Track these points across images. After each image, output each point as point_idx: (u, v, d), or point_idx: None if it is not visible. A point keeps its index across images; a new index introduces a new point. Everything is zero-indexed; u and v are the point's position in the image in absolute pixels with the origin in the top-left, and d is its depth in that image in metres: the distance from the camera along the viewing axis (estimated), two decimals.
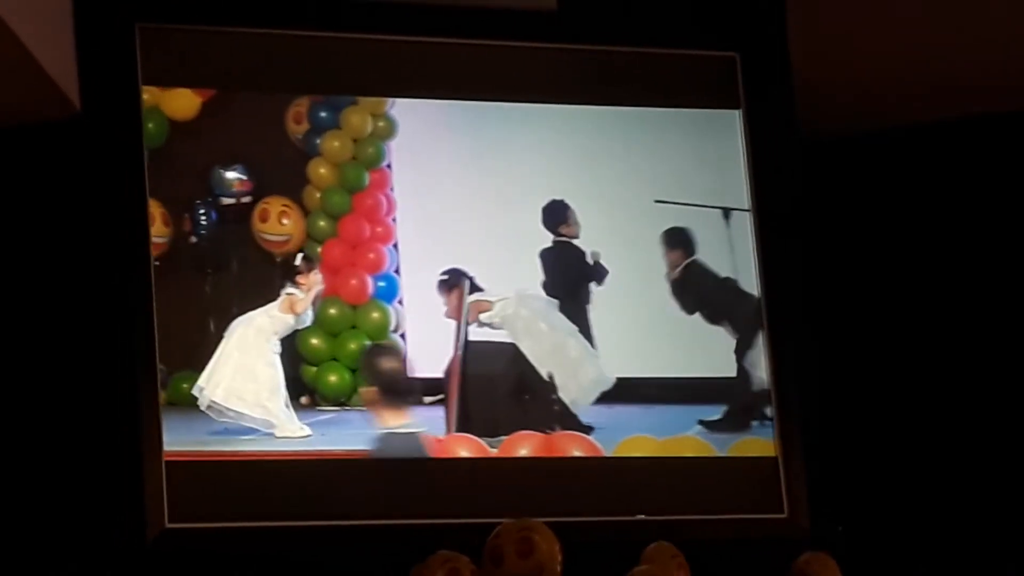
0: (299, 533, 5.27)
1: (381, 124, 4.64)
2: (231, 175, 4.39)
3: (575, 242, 5.00)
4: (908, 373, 6.33)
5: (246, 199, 4.39)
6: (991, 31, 6.08)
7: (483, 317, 4.56)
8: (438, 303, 4.60)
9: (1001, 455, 6.20)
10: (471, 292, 4.59)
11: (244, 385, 4.34)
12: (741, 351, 5.48)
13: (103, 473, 5.29)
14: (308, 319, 4.34)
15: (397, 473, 5.16)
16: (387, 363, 4.49)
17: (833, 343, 6.04)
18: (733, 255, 5.66)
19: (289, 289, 4.33)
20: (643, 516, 5.38)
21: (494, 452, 4.58)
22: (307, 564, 5.10)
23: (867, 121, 6.41)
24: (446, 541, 4.00)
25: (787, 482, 5.72)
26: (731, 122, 5.87)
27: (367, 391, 4.55)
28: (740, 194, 5.75)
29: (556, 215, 4.93)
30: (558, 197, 5.18)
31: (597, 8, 6.07)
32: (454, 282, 4.62)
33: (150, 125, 5.16)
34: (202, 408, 4.53)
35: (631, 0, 6.08)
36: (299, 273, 4.35)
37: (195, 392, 4.52)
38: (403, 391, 4.44)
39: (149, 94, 5.23)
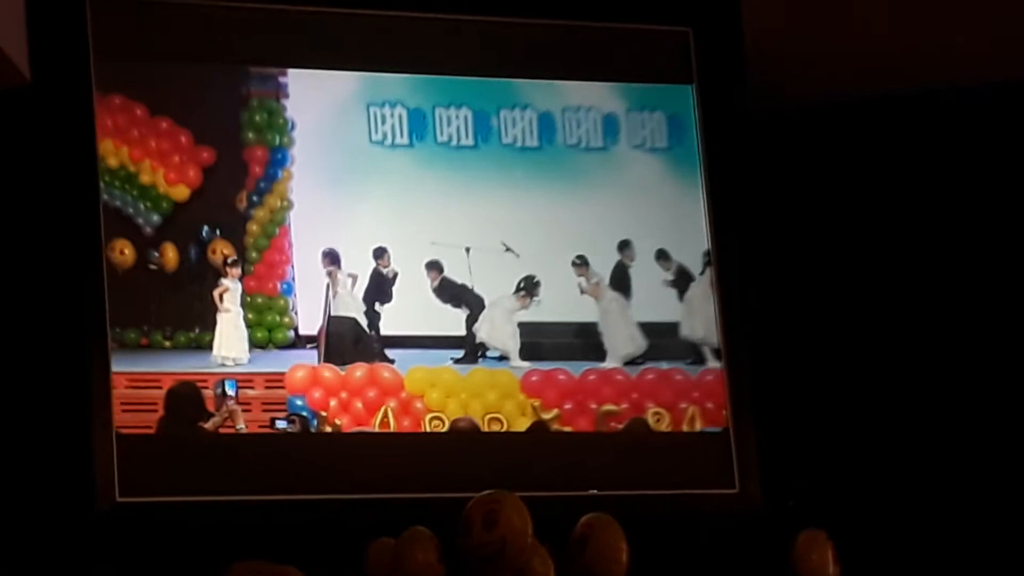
0: (254, 507, 4.73)
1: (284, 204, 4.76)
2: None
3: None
4: (861, 341, 6.10)
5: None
6: (950, 2, 5.89)
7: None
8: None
9: (958, 423, 6.00)
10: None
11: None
12: None
13: (51, 446, 4.78)
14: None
15: (353, 447, 4.76)
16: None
17: (783, 313, 5.78)
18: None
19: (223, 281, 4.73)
20: (596, 491, 4.97)
21: (343, 374, 4.65)
22: (263, 538, 4.60)
23: (822, 93, 6.17)
24: (409, 515, 4.20)
25: (738, 456, 5.38)
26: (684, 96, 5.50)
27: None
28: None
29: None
30: None
31: None
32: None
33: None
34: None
35: None
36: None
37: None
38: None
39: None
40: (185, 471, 4.63)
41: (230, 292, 4.68)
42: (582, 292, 4.91)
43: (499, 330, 4.92)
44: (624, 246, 5.01)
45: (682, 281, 5.09)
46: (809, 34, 6.07)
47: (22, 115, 5.15)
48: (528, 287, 4.94)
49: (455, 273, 4.82)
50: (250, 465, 4.67)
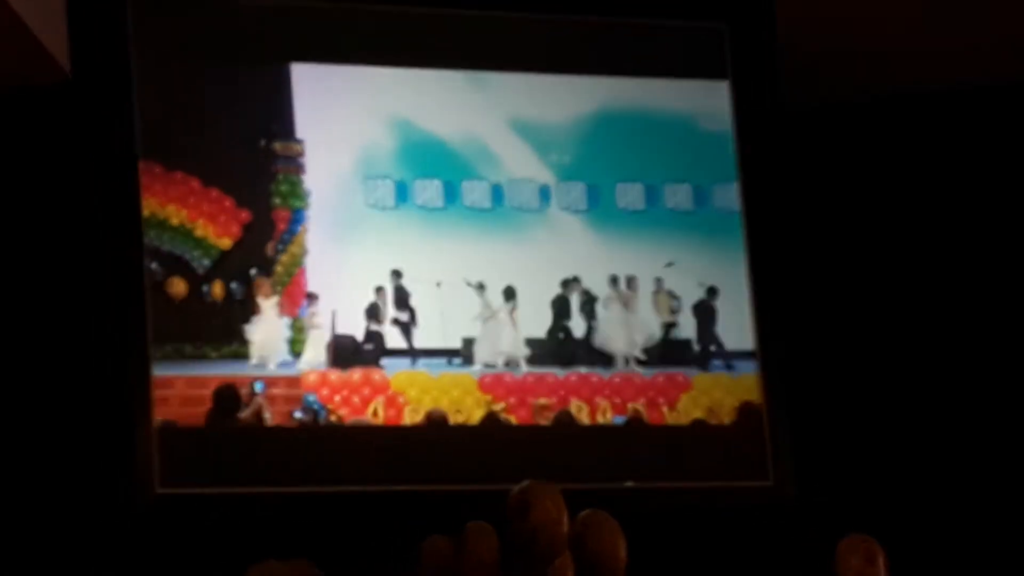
0: (294, 500, 5.31)
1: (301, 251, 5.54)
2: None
3: None
4: (898, 336, 6.22)
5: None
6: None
7: None
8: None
9: (988, 420, 6.12)
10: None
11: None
12: None
13: (92, 437, 5.30)
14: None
15: (396, 440, 5.45)
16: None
17: (819, 310, 5.99)
18: None
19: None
20: (631, 484, 5.49)
21: (344, 376, 5.34)
22: (304, 531, 5.14)
23: (857, 89, 6.31)
24: (450, 509, 4.24)
25: (773, 449, 5.68)
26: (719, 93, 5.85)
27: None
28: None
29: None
30: None
31: None
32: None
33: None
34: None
35: None
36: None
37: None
38: None
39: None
40: (226, 459, 5.26)
41: (267, 307, 5.45)
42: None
43: (502, 341, 5.62)
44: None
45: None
46: (843, 31, 5.98)
47: (63, 110, 5.43)
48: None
49: (428, 300, 5.56)
50: (278, 454, 5.29)
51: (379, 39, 5.71)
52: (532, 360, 5.62)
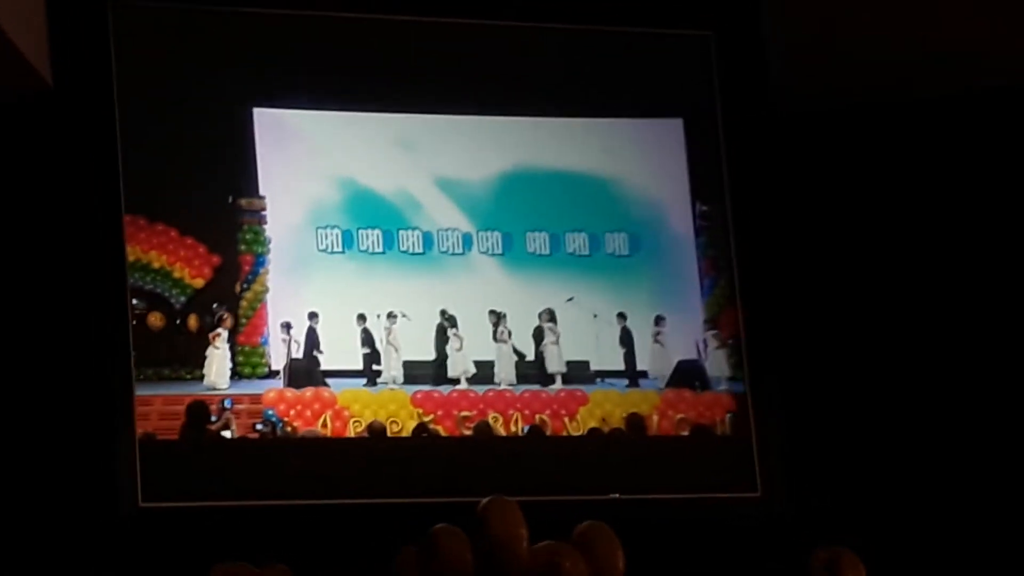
0: (277, 512, 5.74)
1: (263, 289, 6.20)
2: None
3: None
4: (884, 344, 6.22)
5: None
6: (970, 5, 5.98)
7: None
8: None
9: (979, 429, 6.10)
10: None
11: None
12: None
13: (74, 451, 5.57)
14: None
15: (377, 451, 6.01)
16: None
17: (807, 321, 6.07)
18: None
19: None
20: (618, 495, 5.85)
21: (298, 394, 6.00)
22: (286, 545, 5.41)
23: (844, 96, 6.37)
24: (429, 521, 4.01)
25: (760, 460, 5.87)
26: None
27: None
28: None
29: None
30: None
31: None
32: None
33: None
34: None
35: None
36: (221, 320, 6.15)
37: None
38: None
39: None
40: (198, 470, 5.79)
41: (220, 338, 6.12)
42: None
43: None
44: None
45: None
46: (832, 38, 6.04)
47: (45, 120, 5.59)
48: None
49: (373, 329, 6.24)
50: (246, 462, 5.87)
51: (330, 87, 6.36)
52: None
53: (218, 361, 6.16)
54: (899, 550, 5.58)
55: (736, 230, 6.16)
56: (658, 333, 6.50)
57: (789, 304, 6.01)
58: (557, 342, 6.44)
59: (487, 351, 6.36)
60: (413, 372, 6.28)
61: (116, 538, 5.50)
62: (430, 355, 6.31)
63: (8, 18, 5.25)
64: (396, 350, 6.29)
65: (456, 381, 6.35)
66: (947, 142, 6.35)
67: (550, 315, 6.45)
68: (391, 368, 6.26)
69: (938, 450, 6.17)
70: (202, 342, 6.15)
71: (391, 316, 6.28)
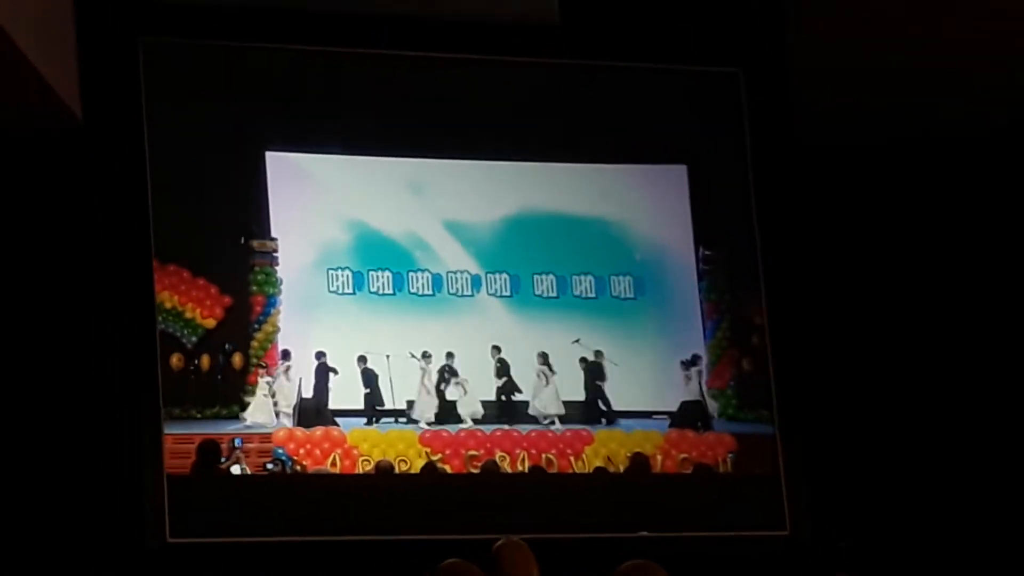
0: (290, 548, 5.80)
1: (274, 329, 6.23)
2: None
3: None
4: (910, 384, 6.28)
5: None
6: (990, 47, 6.02)
7: None
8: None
9: (1004, 461, 6.14)
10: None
11: None
12: None
13: (104, 488, 5.66)
14: None
15: (397, 488, 6.08)
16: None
17: (833, 356, 6.13)
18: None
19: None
20: (646, 533, 5.94)
21: (308, 433, 6.05)
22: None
23: (867, 132, 6.41)
24: (437, 557, 4.39)
25: (789, 498, 5.93)
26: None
27: None
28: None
29: None
30: None
31: (599, 23, 6.27)
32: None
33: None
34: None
35: (633, 16, 6.30)
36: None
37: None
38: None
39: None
40: (208, 505, 5.86)
41: (262, 384, 6.14)
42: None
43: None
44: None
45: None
46: (853, 74, 6.04)
47: (75, 155, 5.62)
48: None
49: (377, 368, 6.26)
50: (261, 500, 5.93)
51: (340, 131, 6.41)
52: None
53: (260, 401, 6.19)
54: None
55: (765, 267, 6.24)
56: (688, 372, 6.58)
57: (816, 340, 6.10)
58: (547, 384, 6.50)
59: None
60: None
61: (142, 572, 5.62)
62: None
63: (38, 53, 5.32)
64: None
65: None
66: (973, 180, 6.43)
67: (543, 358, 6.50)
68: (467, 406, 6.40)
69: (968, 488, 6.25)
70: (212, 381, 6.18)
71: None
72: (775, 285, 6.34)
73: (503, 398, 6.48)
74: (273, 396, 6.19)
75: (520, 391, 6.49)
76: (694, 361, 6.55)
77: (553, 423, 6.48)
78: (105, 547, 5.69)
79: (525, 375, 6.51)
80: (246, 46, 6.23)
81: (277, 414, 6.15)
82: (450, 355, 6.46)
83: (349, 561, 5.89)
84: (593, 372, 6.53)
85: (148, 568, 5.71)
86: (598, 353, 6.53)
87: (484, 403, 6.47)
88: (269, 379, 6.16)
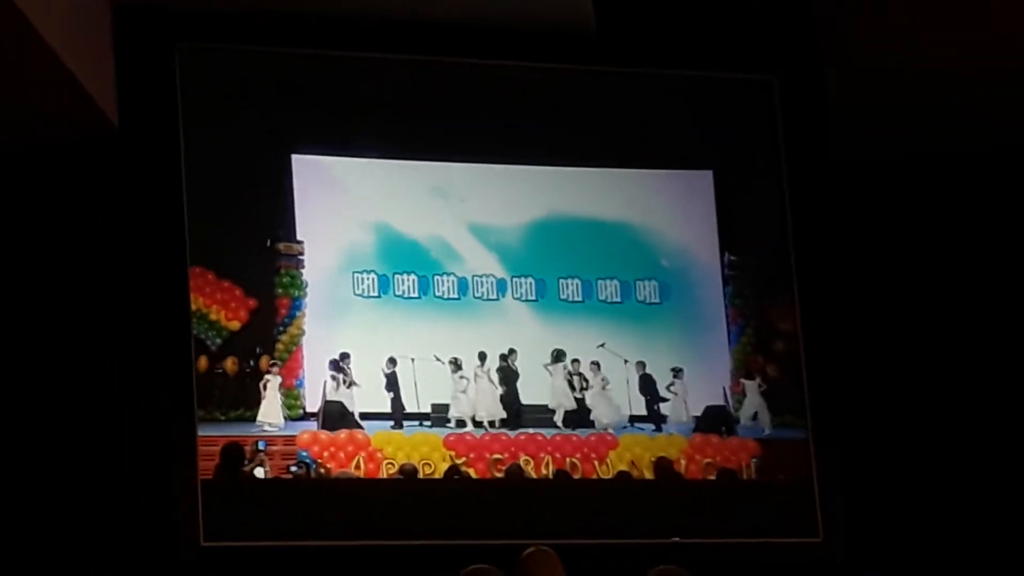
0: (333, 552, 5.79)
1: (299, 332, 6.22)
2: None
3: None
4: (944, 394, 6.26)
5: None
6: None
7: None
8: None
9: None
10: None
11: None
12: None
13: (139, 493, 5.67)
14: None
15: (430, 492, 6.06)
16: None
17: (865, 363, 6.09)
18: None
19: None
20: (678, 539, 5.91)
21: (333, 436, 6.00)
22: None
23: (902, 148, 6.38)
24: (475, 562, 4.44)
25: (822, 506, 5.93)
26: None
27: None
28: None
29: None
30: None
31: (634, 30, 6.24)
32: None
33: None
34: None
35: (669, 23, 6.27)
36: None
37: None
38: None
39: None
40: (234, 509, 5.83)
41: (271, 383, 6.12)
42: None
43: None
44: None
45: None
46: (889, 85, 6.00)
47: (112, 163, 5.63)
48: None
49: (404, 372, 6.23)
50: (284, 503, 5.90)
51: (366, 134, 6.37)
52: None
53: (268, 403, 6.17)
54: None
55: (798, 272, 6.21)
56: (671, 384, 6.51)
57: (850, 351, 6.10)
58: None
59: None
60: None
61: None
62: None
63: (75, 60, 5.33)
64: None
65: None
66: (1002, 194, 6.43)
67: (556, 356, 6.44)
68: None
69: (995, 497, 6.25)
70: (237, 384, 6.14)
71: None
72: (808, 290, 6.32)
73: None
74: (287, 398, 6.17)
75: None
76: (676, 374, 6.51)
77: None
78: (136, 552, 5.70)
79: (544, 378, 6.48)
80: (277, 51, 6.23)
81: (289, 417, 6.14)
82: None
83: (375, 566, 5.87)
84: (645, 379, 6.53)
85: (185, 572, 5.70)
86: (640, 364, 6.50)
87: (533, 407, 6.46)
88: (278, 379, 6.14)
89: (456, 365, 6.38)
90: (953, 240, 6.60)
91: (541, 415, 6.43)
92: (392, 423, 6.28)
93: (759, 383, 6.58)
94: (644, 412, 6.55)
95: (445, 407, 6.35)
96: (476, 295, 6.50)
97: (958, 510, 6.38)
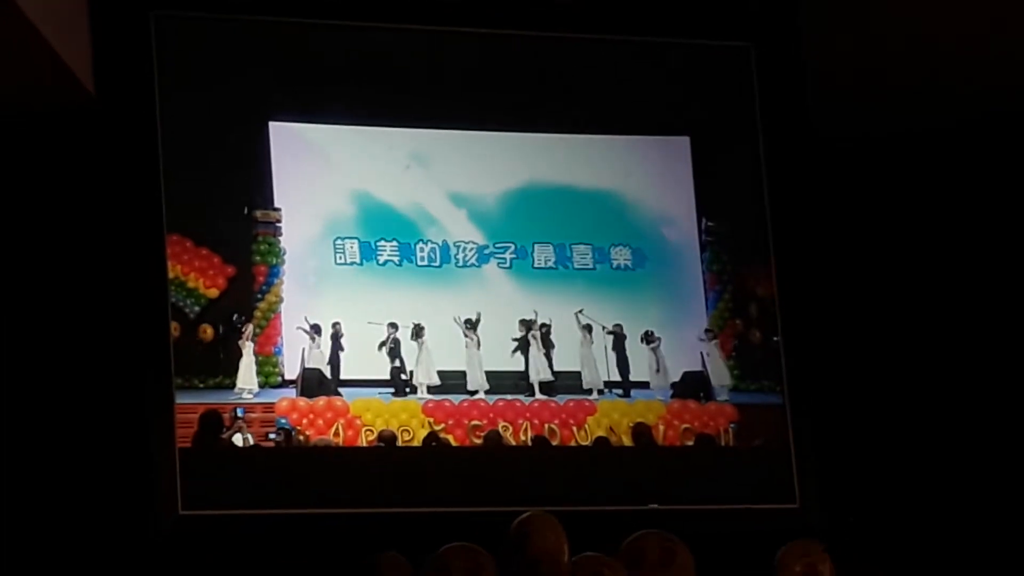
0: (313, 520, 5.71)
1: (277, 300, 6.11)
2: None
3: None
4: (920, 361, 6.22)
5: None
6: (1010, 32, 5.84)
7: None
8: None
9: (1009, 446, 6.10)
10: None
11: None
12: None
13: (116, 461, 5.55)
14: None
15: (412, 460, 5.96)
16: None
17: (845, 339, 6.06)
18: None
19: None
20: (656, 506, 5.84)
21: (311, 403, 5.93)
22: (321, 552, 5.46)
23: (883, 122, 6.30)
24: (455, 530, 4.39)
25: (799, 471, 5.86)
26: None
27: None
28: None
29: None
30: None
31: None
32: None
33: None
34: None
35: None
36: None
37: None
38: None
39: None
40: (213, 476, 5.75)
41: (246, 348, 6.03)
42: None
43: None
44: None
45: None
46: (874, 62, 5.92)
47: (88, 132, 5.54)
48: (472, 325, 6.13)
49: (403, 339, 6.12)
50: (265, 472, 5.80)
51: (345, 101, 6.26)
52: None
53: (246, 368, 6.08)
54: (933, 559, 5.71)
55: (776, 242, 6.14)
56: (651, 348, 6.45)
57: (826, 320, 6.05)
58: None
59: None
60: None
61: (156, 545, 5.53)
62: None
63: (50, 27, 5.23)
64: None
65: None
66: (991, 168, 6.36)
67: (527, 325, 6.35)
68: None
69: (975, 462, 6.19)
70: (215, 351, 6.05)
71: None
72: (785, 256, 6.24)
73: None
74: (265, 365, 6.09)
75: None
76: (653, 339, 6.42)
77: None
78: (114, 521, 5.60)
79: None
80: (253, 19, 6.10)
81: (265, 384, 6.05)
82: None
83: (356, 533, 5.76)
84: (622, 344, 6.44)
85: (162, 541, 5.62)
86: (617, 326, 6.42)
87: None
88: (251, 344, 6.05)
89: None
90: (933, 209, 6.56)
91: (520, 382, 6.36)
92: (375, 391, 6.21)
93: (735, 347, 6.49)
94: (619, 378, 6.47)
95: (454, 374, 6.29)
96: (457, 264, 6.42)
97: (937, 475, 6.34)
